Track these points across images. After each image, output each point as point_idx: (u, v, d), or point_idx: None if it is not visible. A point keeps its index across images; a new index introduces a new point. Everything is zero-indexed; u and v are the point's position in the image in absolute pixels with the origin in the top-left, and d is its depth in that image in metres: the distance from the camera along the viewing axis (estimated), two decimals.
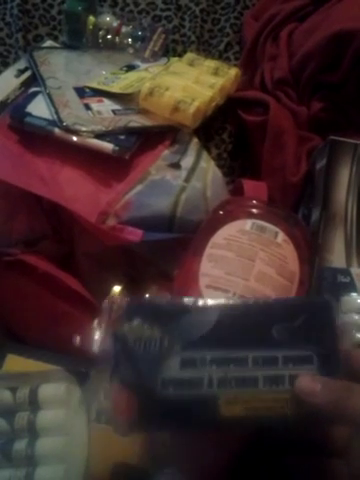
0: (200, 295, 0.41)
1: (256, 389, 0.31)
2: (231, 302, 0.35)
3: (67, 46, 0.67)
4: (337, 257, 0.47)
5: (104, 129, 0.53)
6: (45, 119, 0.53)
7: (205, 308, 0.33)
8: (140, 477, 0.36)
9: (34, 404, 0.40)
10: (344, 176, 0.50)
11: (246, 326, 0.33)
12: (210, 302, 0.34)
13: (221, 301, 0.34)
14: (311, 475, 0.35)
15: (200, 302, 0.34)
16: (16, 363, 0.44)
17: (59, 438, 0.39)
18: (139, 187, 0.53)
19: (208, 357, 0.31)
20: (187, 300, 0.34)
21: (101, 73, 0.63)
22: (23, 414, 0.39)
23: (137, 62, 0.66)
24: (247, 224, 0.46)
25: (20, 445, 0.38)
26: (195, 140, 0.58)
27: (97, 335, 0.32)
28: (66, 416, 0.40)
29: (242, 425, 0.31)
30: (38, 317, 0.45)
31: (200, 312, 0.33)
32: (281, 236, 0.46)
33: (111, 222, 0.50)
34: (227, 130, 0.63)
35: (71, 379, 0.41)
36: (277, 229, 0.47)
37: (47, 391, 0.40)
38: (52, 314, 0.45)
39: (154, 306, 0.34)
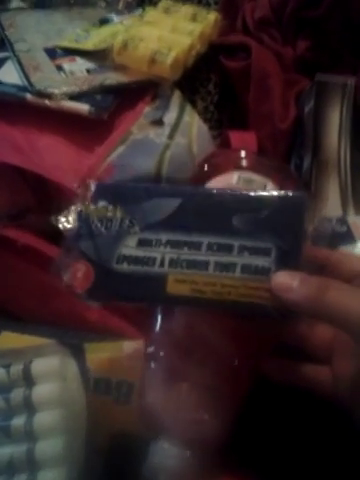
0: None
1: (205, 272, 0.32)
2: (195, 190, 0.37)
3: (36, 6, 0.63)
4: (332, 206, 0.45)
5: (78, 90, 0.51)
6: (15, 85, 0.51)
7: (168, 193, 0.35)
8: (139, 445, 0.35)
9: (28, 379, 0.39)
10: (334, 118, 0.47)
11: (207, 213, 0.33)
12: (173, 188, 0.36)
13: (184, 188, 0.37)
14: (292, 379, 0.34)
15: (163, 187, 0.37)
16: (11, 340, 0.43)
17: (57, 411, 0.38)
18: (121, 148, 0.50)
19: (164, 239, 0.33)
20: (151, 185, 0.37)
21: (73, 31, 0.59)
22: (18, 390, 0.39)
23: (111, 15, 0.63)
24: (233, 177, 0.44)
25: (18, 421, 0.38)
26: (177, 93, 0.55)
27: (71, 218, 0.35)
28: (62, 389, 0.39)
29: (187, 304, 0.33)
30: (27, 292, 0.44)
31: (163, 197, 0.34)
32: (270, 188, 0.44)
33: None
34: (212, 80, 0.60)
35: (65, 351, 0.41)
36: (266, 180, 0.44)
37: (40, 365, 0.39)
38: (41, 288, 0.43)
39: (120, 190, 0.36)
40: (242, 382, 0.34)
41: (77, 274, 0.33)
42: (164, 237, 0.33)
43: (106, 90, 0.52)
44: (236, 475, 0.34)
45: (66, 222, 0.35)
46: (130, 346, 0.41)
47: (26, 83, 0.50)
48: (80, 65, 0.55)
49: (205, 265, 0.32)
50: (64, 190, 0.47)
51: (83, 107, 0.50)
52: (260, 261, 0.32)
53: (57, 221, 0.35)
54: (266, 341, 0.35)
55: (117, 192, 0.36)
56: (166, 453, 0.32)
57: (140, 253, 0.33)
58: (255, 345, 0.35)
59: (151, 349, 0.35)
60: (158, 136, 0.52)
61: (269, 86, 0.52)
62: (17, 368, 0.39)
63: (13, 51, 0.54)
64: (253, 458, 0.35)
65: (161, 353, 0.34)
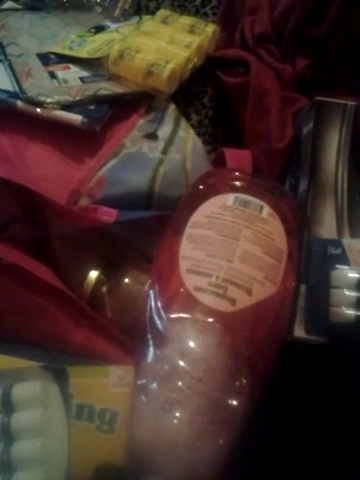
0: (181, 282, 0.38)
1: None
2: None
3: (29, 7, 0.61)
4: (327, 230, 0.44)
5: (71, 99, 0.49)
6: (6, 91, 0.49)
7: None
8: (124, 478, 0.33)
9: (8, 406, 0.37)
10: (333, 141, 0.46)
11: None
12: None
13: None
14: None
15: None
16: None
17: (37, 440, 0.36)
18: (113, 162, 0.49)
19: None
20: None
21: (68, 36, 0.58)
22: None
23: (107, 22, 0.61)
24: (229, 198, 0.43)
25: None
26: (172, 106, 0.54)
27: None
28: (43, 416, 0.37)
29: None
30: (10, 311, 0.42)
31: None
32: (266, 210, 0.43)
33: (84, 202, 0.47)
34: (207, 94, 0.59)
35: (47, 376, 0.39)
36: (262, 203, 0.43)
37: (21, 391, 0.37)
38: (24, 308, 0.41)
39: None
40: (239, 418, 0.32)
41: None
42: None
43: (100, 100, 0.50)
44: None
45: None
46: (116, 371, 0.39)
47: (17, 89, 0.49)
48: (74, 73, 0.53)
49: None
50: (48, 201, 0.46)
51: (75, 117, 0.48)
52: None
53: None
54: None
55: None
56: None
57: None
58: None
59: (142, 381, 0.33)
60: (151, 150, 0.50)
61: (267, 104, 0.51)
62: None
63: (5, 55, 0.52)
64: None
65: (153, 386, 0.32)
